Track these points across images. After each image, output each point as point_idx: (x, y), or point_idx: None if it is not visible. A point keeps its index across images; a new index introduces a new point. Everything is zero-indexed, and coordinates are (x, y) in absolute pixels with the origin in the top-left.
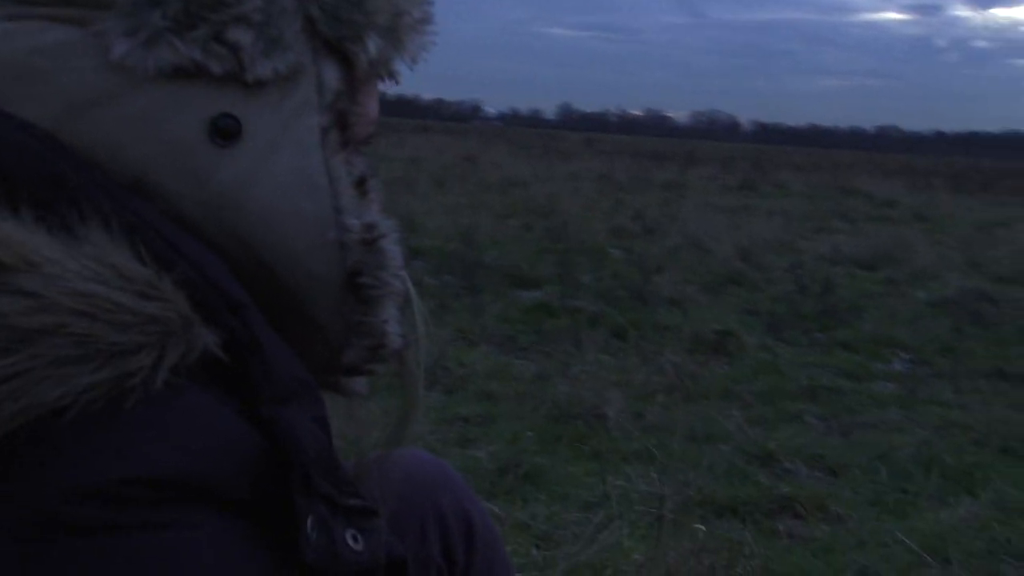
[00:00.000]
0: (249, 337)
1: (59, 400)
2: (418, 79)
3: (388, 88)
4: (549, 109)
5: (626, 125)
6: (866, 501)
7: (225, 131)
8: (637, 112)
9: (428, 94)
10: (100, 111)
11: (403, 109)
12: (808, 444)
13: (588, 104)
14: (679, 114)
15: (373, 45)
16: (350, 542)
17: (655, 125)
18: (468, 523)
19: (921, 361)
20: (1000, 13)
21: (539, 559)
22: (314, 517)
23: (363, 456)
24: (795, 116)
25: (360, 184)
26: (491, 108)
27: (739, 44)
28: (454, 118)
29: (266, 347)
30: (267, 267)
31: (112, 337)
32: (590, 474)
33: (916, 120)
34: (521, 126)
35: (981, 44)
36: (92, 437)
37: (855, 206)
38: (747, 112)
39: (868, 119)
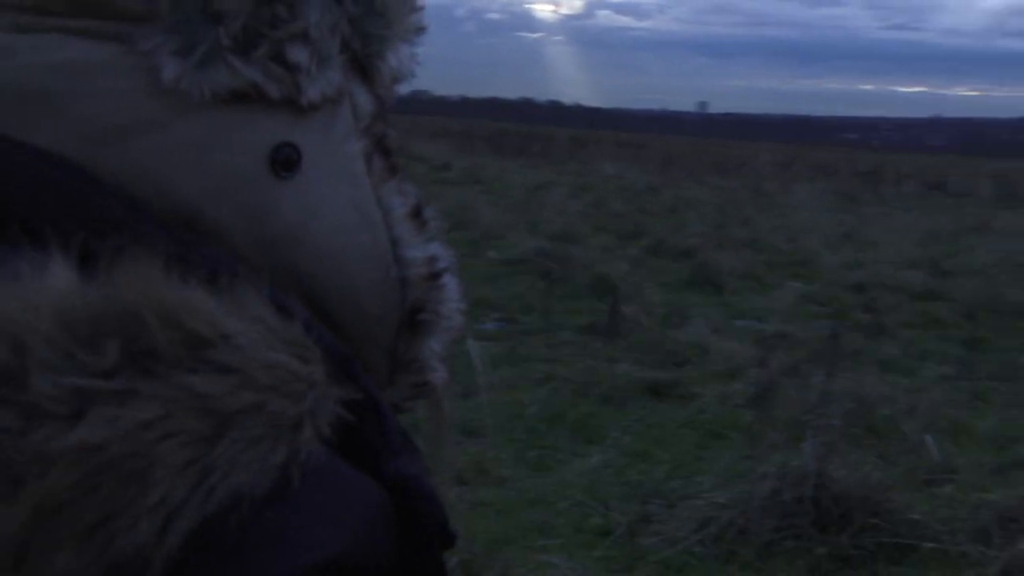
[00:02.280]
0: (364, 392)
1: (246, 489)
2: None
3: None
4: None
5: None
6: (514, 460)
7: (286, 161)
8: None
9: None
10: (144, 141)
11: None
12: None
13: None
14: None
15: (394, 60)
16: None
17: None
18: None
19: (510, 319)
20: None
21: None
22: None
23: None
24: None
25: (416, 214)
26: None
27: None
28: None
29: (380, 401)
30: (321, 308)
31: (290, 410)
32: None
33: (445, 86)
34: None
35: (494, 16)
36: (271, 525)
37: (415, 169)
38: None
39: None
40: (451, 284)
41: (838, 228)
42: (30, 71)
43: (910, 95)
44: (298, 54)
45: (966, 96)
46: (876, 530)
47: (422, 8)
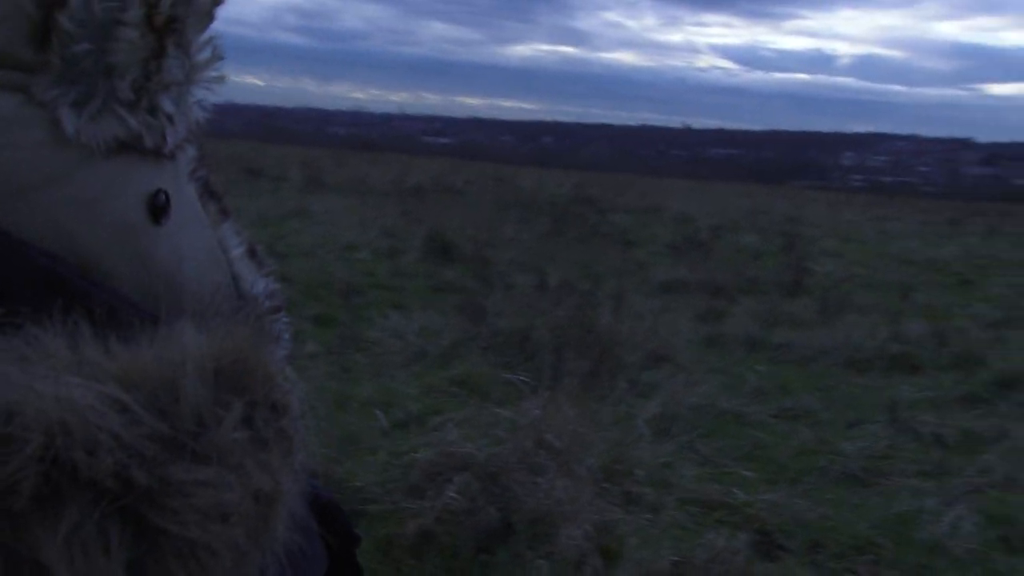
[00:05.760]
0: None
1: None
2: None
3: None
4: None
5: None
6: None
7: (160, 208)
8: None
9: None
10: (50, 194)
11: None
12: None
13: None
14: None
15: (198, 108)
16: None
17: None
18: None
19: None
20: None
21: None
22: None
23: None
24: None
25: (252, 253)
26: None
27: None
28: None
29: None
30: None
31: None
32: None
33: None
34: None
35: None
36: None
37: None
38: None
39: None
40: (284, 318)
41: None
42: None
43: None
44: (168, 105)
45: (254, 85)
46: None
47: (222, 58)
